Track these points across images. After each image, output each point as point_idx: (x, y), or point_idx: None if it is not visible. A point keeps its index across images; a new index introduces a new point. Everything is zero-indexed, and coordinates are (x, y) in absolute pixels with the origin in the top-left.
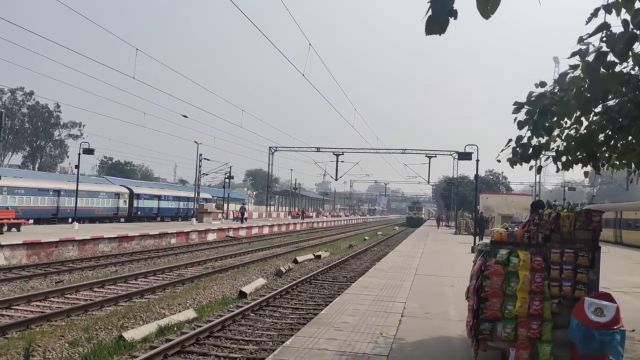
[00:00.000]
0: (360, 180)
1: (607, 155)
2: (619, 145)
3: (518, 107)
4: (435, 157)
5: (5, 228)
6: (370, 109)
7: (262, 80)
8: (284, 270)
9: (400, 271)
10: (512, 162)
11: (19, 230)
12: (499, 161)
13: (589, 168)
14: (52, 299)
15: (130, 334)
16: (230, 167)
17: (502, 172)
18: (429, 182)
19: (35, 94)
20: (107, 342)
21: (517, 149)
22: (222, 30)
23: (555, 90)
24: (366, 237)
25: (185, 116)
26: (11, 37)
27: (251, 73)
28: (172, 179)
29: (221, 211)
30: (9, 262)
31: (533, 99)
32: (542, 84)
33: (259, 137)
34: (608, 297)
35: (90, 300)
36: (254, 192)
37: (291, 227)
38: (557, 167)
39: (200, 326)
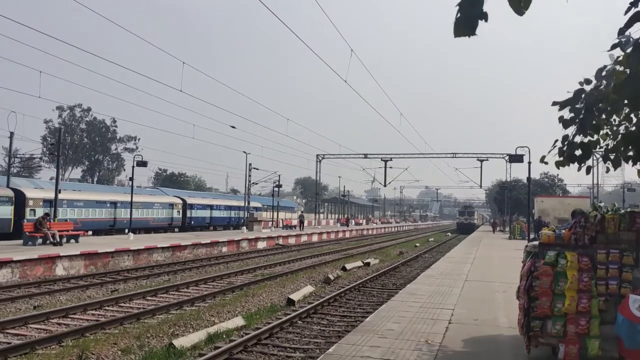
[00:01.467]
0: (410, 186)
1: None
2: None
3: (563, 104)
4: (487, 160)
5: (64, 240)
6: (418, 111)
7: (307, 89)
8: (332, 278)
9: (449, 277)
10: (559, 163)
11: (77, 241)
12: (546, 163)
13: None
14: (106, 308)
15: (180, 342)
16: (279, 175)
17: (557, 175)
18: (481, 186)
19: (92, 110)
20: (158, 350)
21: (564, 148)
22: (263, 39)
23: (602, 87)
24: (417, 244)
25: (234, 127)
26: (64, 55)
27: (295, 80)
28: (224, 188)
29: (270, 220)
30: (68, 273)
31: (580, 96)
32: (587, 81)
33: (306, 145)
34: None
35: (143, 308)
36: (304, 200)
37: (340, 235)
38: (607, 168)
39: (248, 333)
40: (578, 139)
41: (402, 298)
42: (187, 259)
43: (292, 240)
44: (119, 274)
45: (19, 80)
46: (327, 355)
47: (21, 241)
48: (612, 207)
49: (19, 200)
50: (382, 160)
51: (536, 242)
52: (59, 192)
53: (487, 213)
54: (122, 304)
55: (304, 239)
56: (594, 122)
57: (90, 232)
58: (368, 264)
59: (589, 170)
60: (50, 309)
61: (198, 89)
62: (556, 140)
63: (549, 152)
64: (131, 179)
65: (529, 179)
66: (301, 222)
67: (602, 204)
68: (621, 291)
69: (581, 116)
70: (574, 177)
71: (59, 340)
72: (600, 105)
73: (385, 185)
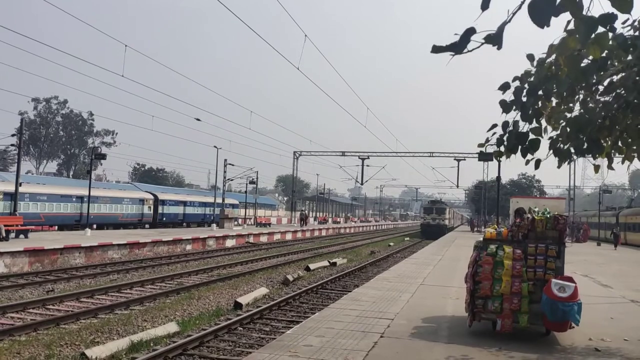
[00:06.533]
0: (391, 185)
1: (612, 142)
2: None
3: (504, 86)
4: (465, 160)
5: (13, 235)
6: (389, 108)
7: (269, 86)
8: (291, 279)
9: (404, 281)
10: (497, 154)
11: (26, 236)
12: (485, 154)
13: (598, 161)
14: (30, 310)
15: (95, 352)
16: (257, 172)
17: (534, 176)
18: (457, 186)
19: (69, 102)
20: None
21: (503, 137)
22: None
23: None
24: (391, 243)
25: (199, 119)
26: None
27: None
28: (206, 185)
29: (240, 217)
30: (10, 270)
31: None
32: (531, 57)
33: (282, 142)
34: (570, 279)
35: (70, 311)
36: (285, 198)
37: (316, 233)
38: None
39: (175, 342)
40: (524, 127)
41: (341, 305)
42: (145, 257)
43: (264, 239)
44: (65, 272)
45: None
46: None
47: None
48: (543, 212)
49: None
50: (359, 158)
51: (481, 238)
52: (20, 185)
53: (468, 213)
54: (50, 307)
55: (276, 237)
56: (537, 106)
57: (55, 227)
58: (334, 263)
59: (537, 164)
60: None
61: (160, 83)
62: (494, 125)
63: (487, 140)
64: (89, 171)
65: (498, 177)
66: (302, 219)
67: (536, 209)
68: (546, 277)
69: (523, 98)
70: (553, 179)
71: None
72: (545, 85)
73: (362, 184)
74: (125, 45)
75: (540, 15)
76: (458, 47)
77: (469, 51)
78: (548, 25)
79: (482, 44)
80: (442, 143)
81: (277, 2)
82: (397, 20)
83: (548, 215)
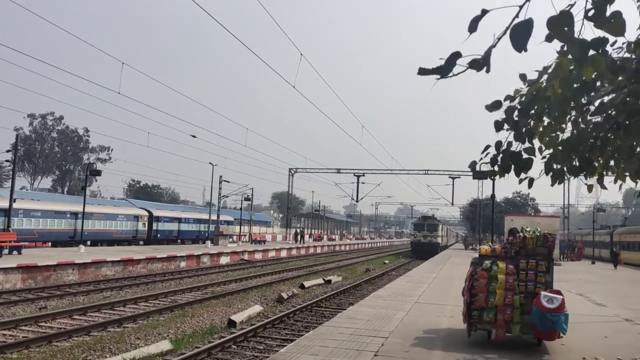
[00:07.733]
0: (386, 202)
1: (604, 162)
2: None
3: (495, 104)
4: (459, 178)
5: (6, 251)
6: (390, 133)
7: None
8: (285, 297)
9: (399, 299)
10: (491, 174)
11: (19, 253)
12: (477, 172)
13: (591, 180)
14: (22, 328)
15: None
16: (252, 189)
17: (529, 194)
18: (452, 204)
19: (64, 118)
20: None
21: (497, 157)
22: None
23: (542, 82)
24: (386, 261)
25: (194, 136)
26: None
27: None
28: (201, 202)
29: (235, 234)
30: (2, 287)
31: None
32: (524, 77)
33: (278, 160)
34: (558, 292)
35: (63, 329)
36: (280, 215)
37: (311, 250)
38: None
39: None
40: (518, 147)
41: (335, 323)
42: (139, 274)
43: (258, 256)
44: (59, 289)
45: None
46: None
47: None
48: (534, 230)
49: None
50: (354, 175)
51: (477, 255)
52: (14, 201)
53: (463, 231)
54: (42, 324)
55: (271, 254)
56: (529, 126)
57: (49, 244)
58: (329, 281)
59: (530, 183)
60: None
61: (156, 99)
62: (487, 146)
63: (480, 160)
64: (83, 187)
65: (492, 196)
66: (301, 236)
67: (528, 228)
68: (536, 290)
69: (515, 118)
70: (547, 197)
71: None
72: (536, 106)
73: (357, 201)
74: (123, 63)
75: (519, 41)
76: (444, 70)
77: (454, 75)
78: (525, 50)
79: (467, 68)
80: (438, 155)
81: (274, 18)
82: (398, 32)
83: (538, 234)
